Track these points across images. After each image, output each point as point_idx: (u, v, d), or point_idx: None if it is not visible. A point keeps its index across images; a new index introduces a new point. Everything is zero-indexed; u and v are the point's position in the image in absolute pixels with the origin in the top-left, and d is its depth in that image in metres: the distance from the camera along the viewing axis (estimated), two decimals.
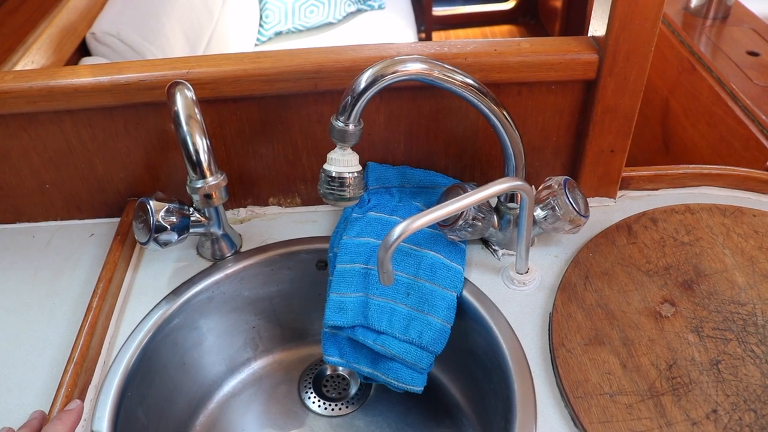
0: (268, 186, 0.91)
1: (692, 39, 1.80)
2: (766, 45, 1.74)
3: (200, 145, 0.66)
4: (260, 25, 2.34)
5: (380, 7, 2.46)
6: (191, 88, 0.68)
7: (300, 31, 2.38)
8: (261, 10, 2.33)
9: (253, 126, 0.84)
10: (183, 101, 0.66)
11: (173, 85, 0.67)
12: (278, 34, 2.36)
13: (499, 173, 0.88)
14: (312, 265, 0.89)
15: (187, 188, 0.69)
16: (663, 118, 1.83)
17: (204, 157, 0.66)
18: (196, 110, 0.66)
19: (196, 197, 0.69)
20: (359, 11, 2.44)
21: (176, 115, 0.65)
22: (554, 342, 0.72)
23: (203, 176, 0.67)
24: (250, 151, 0.87)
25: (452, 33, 3.29)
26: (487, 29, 3.34)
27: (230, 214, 0.92)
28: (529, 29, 3.33)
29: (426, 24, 3.08)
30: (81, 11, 1.30)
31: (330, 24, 2.39)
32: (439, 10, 3.27)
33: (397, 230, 0.62)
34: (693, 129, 1.71)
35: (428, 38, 3.08)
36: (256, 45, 2.32)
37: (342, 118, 0.66)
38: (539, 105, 0.83)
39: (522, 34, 3.29)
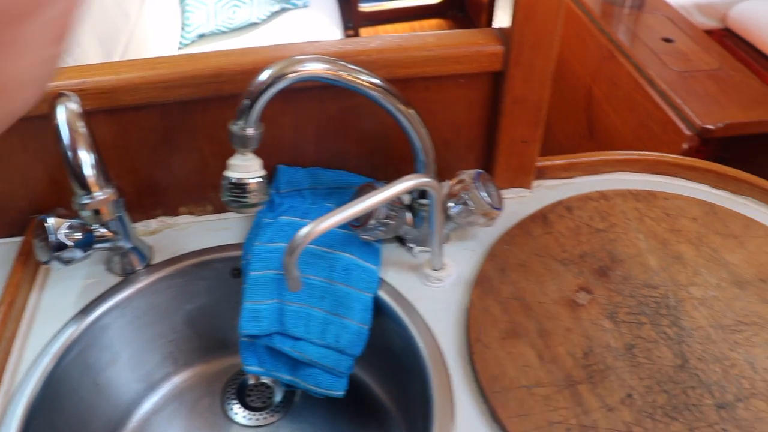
0: (178, 195, 0.88)
1: (611, 27, 1.83)
2: (680, 32, 1.79)
3: (84, 159, 0.63)
4: (182, 28, 2.28)
5: (304, 5, 2.43)
6: (77, 100, 0.65)
7: (224, 32, 2.33)
8: (182, 12, 2.28)
9: (157, 134, 0.81)
10: (65, 114, 0.63)
11: (56, 97, 0.64)
12: (201, 36, 2.31)
13: (413, 169, 0.87)
14: (227, 273, 0.86)
15: (74, 205, 0.66)
16: (587, 105, 1.86)
17: (89, 172, 0.63)
18: (80, 123, 0.63)
19: (85, 213, 0.66)
20: (283, 10, 2.41)
21: (57, 129, 0.62)
22: (471, 337, 0.72)
23: (89, 191, 0.64)
24: (156, 160, 0.84)
25: (381, 29, 3.28)
26: (416, 24, 3.35)
27: (141, 226, 0.89)
28: (458, 22, 3.35)
29: (353, 21, 3.07)
30: None
31: (254, 24, 2.36)
32: (366, 6, 3.25)
33: (301, 234, 0.61)
34: (615, 115, 1.74)
35: (356, 35, 3.07)
36: (179, 48, 2.27)
37: (240, 122, 0.65)
38: (448, 99, 0.82)
39: (450, 28, 3.31)
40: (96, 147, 0.66)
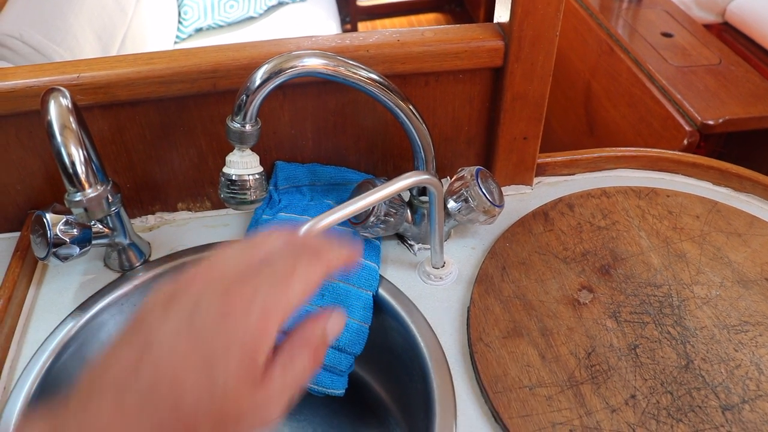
0: (176, 191, 0.87)
1: (610, 22, 1.82)
2: (679, 26, 1.78)
3: (76, 156, 0.61)
4: (179, 22, 2.27)
5: (302, 0, 2.42)
6: (68, 95, 0.64)
7: (221, 26, 2.32)
8: (179, 6, 2.27)
9: (154, 130, 0.80)
10: (56, 110, 0.61)
11: (47, 93, 0.63)
12: (198, 30, 2.30)
13: (412, 166, 0.86)
14: None
15: (66, 202, 0.65)
16: (586, 100, 1.85)
17: (80, 169, 0.62)
18: (71, 119, 0.62)
19: (77, 210, 0.65)
20: (280, 4, 2.40)
21: (49, 125, 0.61)
22: (472, 337, 0.71)
23: (81, 188, 0.63)
24: (153, 156, 0.83)
25: (378, 23, 3.27)
26: (413, 18, 3.34)
27: (138, 222, 0.88)
28: (455, 16, 3.34)
29: (351, 15, 3.06)
30: None
31: (251, 18, 2.35)
32: (364, 1, 3.24)
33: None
34: (615, 110, 1.73)
35: (353, 29, 3.06)
36: (175, 43, 2.26)
37: (238, 119, 0.63)
38: (448, 94, 0.81)
39: (448, 22, 3.30)
40: (90, 143, 0.65)
